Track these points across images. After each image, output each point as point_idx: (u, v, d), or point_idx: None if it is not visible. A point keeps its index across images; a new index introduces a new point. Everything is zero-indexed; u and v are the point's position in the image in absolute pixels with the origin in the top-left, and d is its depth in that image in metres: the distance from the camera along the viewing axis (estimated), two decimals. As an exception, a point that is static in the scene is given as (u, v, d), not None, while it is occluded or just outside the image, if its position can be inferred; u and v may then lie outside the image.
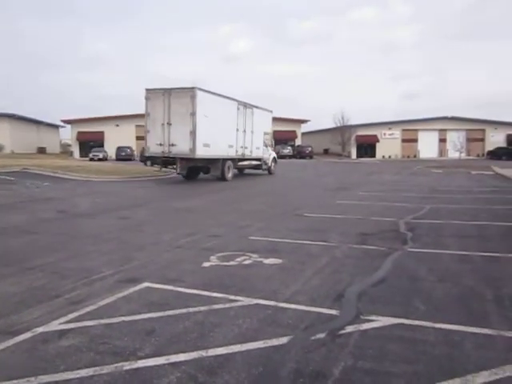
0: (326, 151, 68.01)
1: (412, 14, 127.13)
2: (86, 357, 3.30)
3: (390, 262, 6.02)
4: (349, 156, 61.80)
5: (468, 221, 9.58)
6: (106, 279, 5.32)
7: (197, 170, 21.83)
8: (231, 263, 6.02)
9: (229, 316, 4.10)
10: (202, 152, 19.47)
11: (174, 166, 20.39)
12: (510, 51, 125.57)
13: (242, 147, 23.02)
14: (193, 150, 19.15)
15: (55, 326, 3.89)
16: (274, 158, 28.23)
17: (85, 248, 7.08)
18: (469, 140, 61.41)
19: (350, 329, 3.77)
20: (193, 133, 18.99)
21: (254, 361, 3.23)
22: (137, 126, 59.21)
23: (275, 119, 51.06)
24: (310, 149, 59.52)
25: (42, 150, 62.97)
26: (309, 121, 66.40)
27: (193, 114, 18.92)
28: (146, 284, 5.11)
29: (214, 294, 4.70)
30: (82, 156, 55.44)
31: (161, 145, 19.62)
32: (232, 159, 22.08)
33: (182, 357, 3.28)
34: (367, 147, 63.38)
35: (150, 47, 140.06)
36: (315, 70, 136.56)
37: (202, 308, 4.30)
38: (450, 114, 63.62)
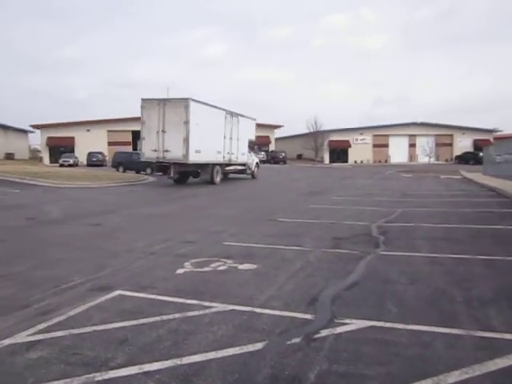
0: (299, 156, 68.58)
1: (382, 22, 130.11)
2: (56, 369, 3.21)
3: (362, 265, 6.10)
4: (322, 161, 62.50)
5: (438, 223, 9.81)
6: (77, 288, 5.20)
7: (187, 174, 23.21)
8: (206, 269, 5.97)
9: (203, 323, 4.06)
10: (194, 158, 20.86)
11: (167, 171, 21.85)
12: (476, 58, 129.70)
13: (228, 153, 24.65)
14: (186, 155, 20.53)
15: (23, 337, 3.77)
16: (257, 163, 30.01)
17: (55, 256, 6.91)
18: (437, 145, 63.03)
19: (324, 332, 3.79)
20: (186, 140, 20.38)
21: (229, 367, 3.20)
22: (109, 131, 58.55)
23: (248, 124, 50.65)
24: (283, 154, 59.93)
25: (9, 156, 61.19)
26: (282, 126, 66.93)
27: (186, 123, 20.35)
28: (119, 292, 5.01)
29: (189, 301, 4.66)
30: (51, 162, 54.22)
31: (155, 151, 20.93)
32: (220, 164, 23.81)
33: (155, 366, 3.22)
34: (340, 152, 64.31)
35: (123, 52, 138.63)
36: (289, 76, 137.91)
37: (176, 315, 4.24)
38: (419, 120, 65.32)
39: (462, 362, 3.22)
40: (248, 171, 28.30)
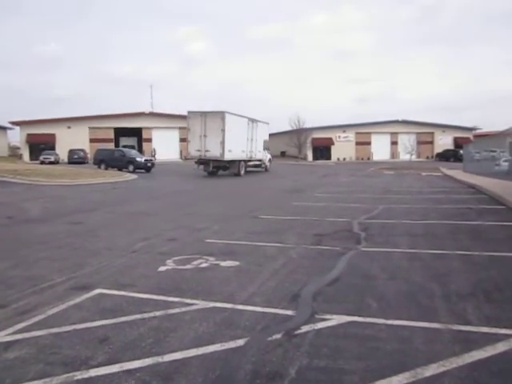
0: (282, 154, 68.69)
1: (364, 20, 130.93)
2: (35, 368, 3.17)
3: (344, 261, 6.16)
4: (305, 158, 62.73)
5: (418, 220, 9.95)
6: (57, 287, 5.14)
7: (218, 168, 28.94)
8: (187, 267, 5.96)
9: (185, 320, 4.06)
10: (227, 156, 27.39)
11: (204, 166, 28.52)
12: (456, 58, 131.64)
13: (250, 151, 31.19)
14: (222, 154, 27.10)
15: (1, 337, 3.71)
16: (270, 159, 37.39)
17: (35, 255, 6.81)
18: (419, 143, 63.82)
19: (305, 328, 3.82)
20: (222, 143, 26.86)
21: (210, 364, 3.21)
22: (90, 128, 57.77)
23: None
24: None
25: (-13, 154, 59.91)
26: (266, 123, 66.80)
27: (223, 130, 26.76)
28: (99, 290, 4.97)
29: (170, 299, 4.64)
30: (32, 159, 53.19)
31: (199, 150, 27.49)
32: (244, 160, 30.42)
33: (136, 364, 3.21)
34: (323, 150, 64.59)
35: (106, 49, 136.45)
36: (272, 74, 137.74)
37: (158, 313, 4.23)
38: (401, 118, 66.01)
39: (439, 355, 3.28)
40: (263, 165, 35.06)
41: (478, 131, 64.26)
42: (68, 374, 3.06)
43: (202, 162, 28.26)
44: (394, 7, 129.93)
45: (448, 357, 3.25)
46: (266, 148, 35.86)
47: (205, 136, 26.99)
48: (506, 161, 21.91)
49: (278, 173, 33.65)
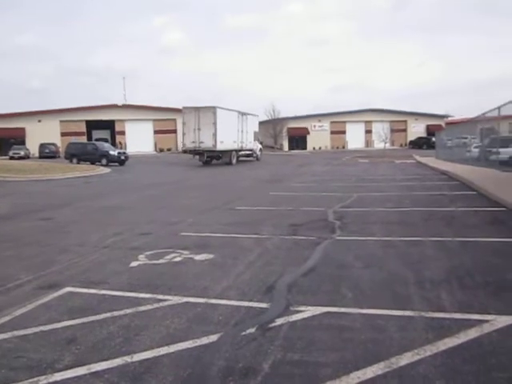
0: (259, 144, 68.55)
1: (340, 9, 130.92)
2: (-3, 374, 3.02)
3: (319, 251, 6.13)
4: (281, 148, 62.74)
5: (392, 207, 10.03)
6: (24, 286, 4.96)
7: (212, 158, 31.62)
8: (160, 261, 5.83)
9: (156, 317, 3.95)
10: (219, 146, 30.08)
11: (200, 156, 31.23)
12: (429, 47, 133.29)
13: (241, 142, 33.81)
14: (215, 145, 29.86)
15: (-38, 342, 3.54)
16: (260, 149, 39.40)
17: (1, 253, 6.56)
18: (392, 131, 64.39)
19: (279, 321, 3.77)
20: (214, 135, 29.57)
21: (182, 362, 3.12)
22: (61, 121, 56.35)
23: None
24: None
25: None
26: (241, 114, 66.46)
27: (214, 123, 29.56)
28: (68, 289, 4.81)
29: (142, 295, 4.52)
30: (0, 155, 51.59)
31: (193, 142, 30.19)
32: (235, 150, 33.04)
33: (104, 365, 3.10)
34: (298, 139, 64.66)
35: (78, 40, 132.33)
36: (247, 63, 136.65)
37: (128, 311, 4.11)
38: (375, 107, 66.50)
39: (413, 344, 3.27)
40: (254, 155, 37.30)
41: (449, 119, 65.31)
42: (32, 380, 2.92)
43: (197, 152, 30.95)
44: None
45: (422, 345, 3.25)
46: (256, 139, 38.32)
47: (199, 129, 29.83)
48: (476, 147, 22.34)
49: (266, 162, 34.81)
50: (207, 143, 29.92)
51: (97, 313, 4.08)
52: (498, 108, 17.15)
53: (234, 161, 32.61)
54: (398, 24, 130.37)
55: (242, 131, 33.96)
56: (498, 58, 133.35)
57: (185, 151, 32.58)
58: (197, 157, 31.43)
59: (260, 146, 39.58)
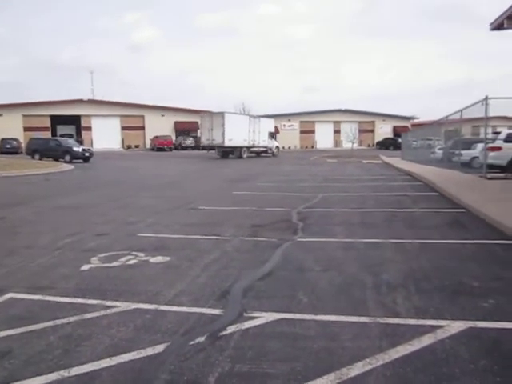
0: (228, 142, 68.23)
1: (311, 10, 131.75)
2: None
3: (278, 253, 6.01)
4: (251, 147, 62.63)
5: (355, 208, 10.04)
6: (-38, 292, 4.62)
7: (226, 153, 38.53)
8: (114, 264, 5.59)
9: (101, 325, 3.73)
10: (228, 143, 37.09)
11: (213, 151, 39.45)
12: (396, 51, 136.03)
13: (252, 140, 40.21)
14: (223, 142, 36.92)
15: None
16: (277, 146, 45.49)
17: None
18: (360, 131, 65.24)
19: (231, 329, 3.61)
20: (223, 133, 36.68)
21: (122, 376, 2.92)
22: (24, 116, 54.48)
23: (177, 110, 52.95)
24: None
25: None
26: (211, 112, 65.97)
27: (223, 125, 36.60)
28: (11, 295, 4.52)
29: (89, 301, 4.29)
30: (-42, 150, 49.42)
31: (207, 140, 38.11)
32: (246, 147, 39.61)
33: (38, 381, 2.86)
34: (268, 138, 64.63)
35: (45, 34, 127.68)
36: (221, 63, 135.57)
37: (72, 318, 3.86)
38: (343, 107, 67.25)
39: (365, 353, 3.18)
40: (269, 151, 43.32)
41: (415, 120, 66.75)
42: (-47, 399, 2.68)
43: (211, 147, 38.82)
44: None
45: (374, 353, 3.16)
46: (272, 137, 44.49)
47: (211, 129, 37.36)
48: (440, 149, 22.84)
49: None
50: (217, 140, 37.13)
51: (38, 321, 3.82)
52: (461, 111, 17.56)
53: (245, 155, 39.08)
54: (367, 26, 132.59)
55: (254, 131, 40.11)
56: (459, 63, 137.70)
57: (203, 147, 40.48)
58: (212, 151, 39.06)
59: (276, 143, 45.86)
